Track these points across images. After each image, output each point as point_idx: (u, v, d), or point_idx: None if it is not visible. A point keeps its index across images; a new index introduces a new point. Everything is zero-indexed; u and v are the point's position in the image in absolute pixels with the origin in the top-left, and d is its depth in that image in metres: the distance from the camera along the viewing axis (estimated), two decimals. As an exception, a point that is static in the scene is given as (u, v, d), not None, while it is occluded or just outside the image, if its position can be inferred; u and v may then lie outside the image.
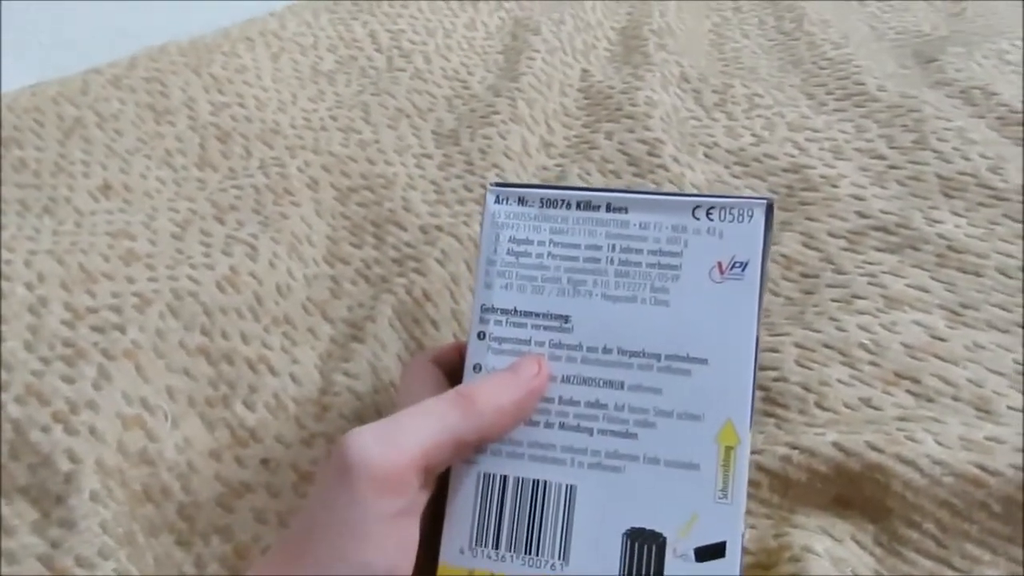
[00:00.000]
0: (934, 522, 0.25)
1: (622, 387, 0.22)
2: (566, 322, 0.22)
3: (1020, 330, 0.32)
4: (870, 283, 0.35)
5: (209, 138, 0.47)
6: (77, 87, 0.50)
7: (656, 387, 0.21)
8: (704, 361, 0.21)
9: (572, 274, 0.22)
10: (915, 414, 0.28)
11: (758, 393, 0.31)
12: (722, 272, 0.21)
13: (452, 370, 0.24)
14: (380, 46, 0.55)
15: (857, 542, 0.26)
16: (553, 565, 0.21)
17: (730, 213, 0.22)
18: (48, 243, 0.39)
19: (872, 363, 0.31)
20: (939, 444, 0.26)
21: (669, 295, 0.21)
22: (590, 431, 0.22)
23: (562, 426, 0.22)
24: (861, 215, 0.38)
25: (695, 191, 0.41)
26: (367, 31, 0.57)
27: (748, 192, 0.41)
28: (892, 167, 0.41)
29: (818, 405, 0.30)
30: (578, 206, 0.22)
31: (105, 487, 0.27)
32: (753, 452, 0.28)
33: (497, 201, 0.23)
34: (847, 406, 0.29)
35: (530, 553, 0.21)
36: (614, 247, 0.22)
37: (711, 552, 0.20)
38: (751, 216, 0.21)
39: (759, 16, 0.61)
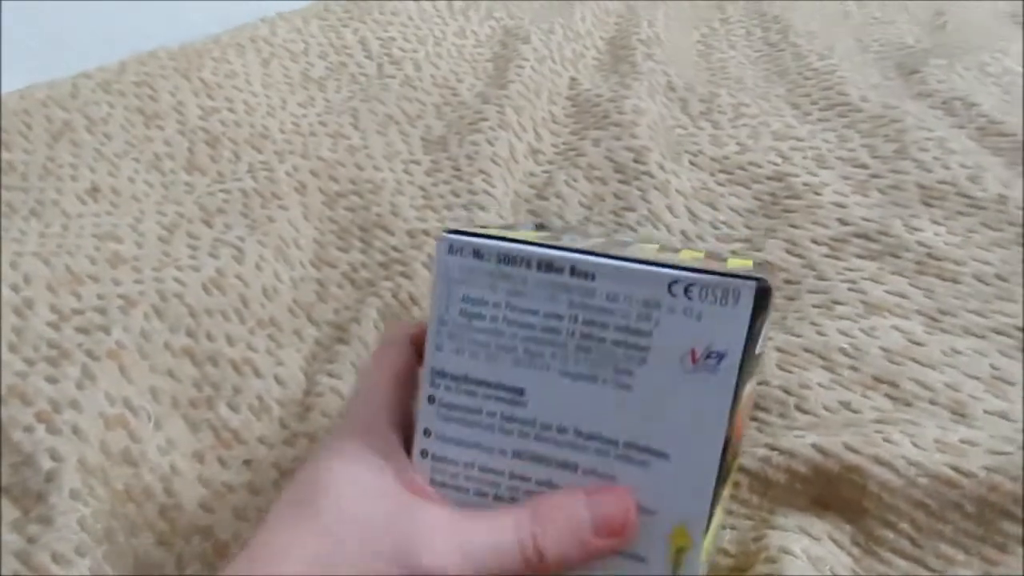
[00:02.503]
0: (909, 522, 0.26)
1: (576, 470, 0.20)
2: (520, 395, 0.20)
3: (996, 336, 0.32)
4: (851, 289, 0.35)
5: (198, 142, 0.47)
6: (67, 91, 0.50)
7: (611, 474, 0.19)
8: (664, 455, 0.19)
9: (529, 344, 0.19)
10: (892, 417, 0.29)
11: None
12: (695, 361, 0.19)
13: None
14: (370, 53, 0.56)
15: (835, 541, 0.26)
16: None
17: (712, 293, 0.18)
18: (34, 245, 0.39)
19: (852, 367, 0.31)
20: (915, 446, 0.27)
21: (633, 379, 0.19)
22: None
23: (512, 502, 0.20)
24: (843, 222, 0.39)
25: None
26: (358, 38, 0.57)
27: (733, 202, 0.42)
28: (874, 176, 0.42)
29: (798, 408, 0.30)
30: (539, 267, 0.19)
31: (87, 486, 0.27)
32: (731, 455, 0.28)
33: (451, 252, 0.20)
34: (827, 409, 0.30)
35: None
36: (576, 318, 0.19)
37: None
38: (736, 300, 0.18)
39: (746, 27, 0.61)
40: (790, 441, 0.27)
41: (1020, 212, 0.37)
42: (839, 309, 0.34)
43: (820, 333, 0.33)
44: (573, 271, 0.19)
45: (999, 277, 0.35)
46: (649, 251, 0.21)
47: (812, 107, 0.49)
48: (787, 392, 0.30)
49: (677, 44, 0.59)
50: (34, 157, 0.46)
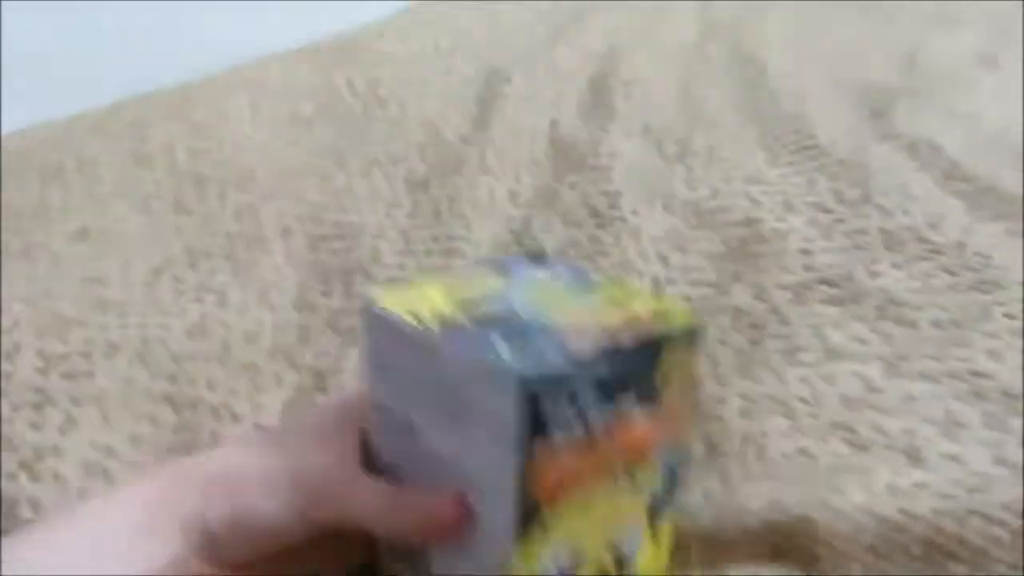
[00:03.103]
0: (860, 566, 0.27)
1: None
2: (416, 430, 0.24)
3: (950, 380, 0.33)
4: (813, 335, 0.36)
5: (186, 183, 0.48)
6: (58, 133, 0.51)
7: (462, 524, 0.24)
8: (485, 499, 0.23)
9: (417, 391, 0.24)
10: (847, 463, 0.30)
11: (702, 443, 0.32)
12: (496, 430, 0.22)
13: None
14: (357, 93, 0.58)
15: (789, 587, 0.27)
16: None
17: (498, 381, 0.22)
18: (23, 289, 0.40)
19: (810, 415, 0.32)
20: (865, 493, 0.28)
21: (469, 431, 0.23)
22: None
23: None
24: (808, 268, 0.40)
25: (650, 241, 0.42)
26: (345, 79, 0.59)
27: (703, 247, 0.43)
28: (838, 220, 0.43)
29: (757, 457, 0.31)
30: (410, 337, 0.24)
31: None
32: (686, 513, 0.29)
33: (363, 315, 0.25)
34: (784, 456, 0.31)
35: None
36: (438, 379, 0.23)
37: None
38: (508, 393, 0.22)
39: (725, 67, 0.63)
40: (742, 498, 0.28)
41: (977, 257, 0.39)
42: (801, 355, 0.35)
43: (781, 381, 0.34)
44: (425, 345, 0.24)
45: (955, 323, 0.36)
46: (577, 307, 0.25)
47: (782, 149, 0.50)
48: (747, 440, 0.31)
49: (656, 84, 0.60)
50: (26, 199, 0.47)
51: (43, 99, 0.55)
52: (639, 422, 0.24)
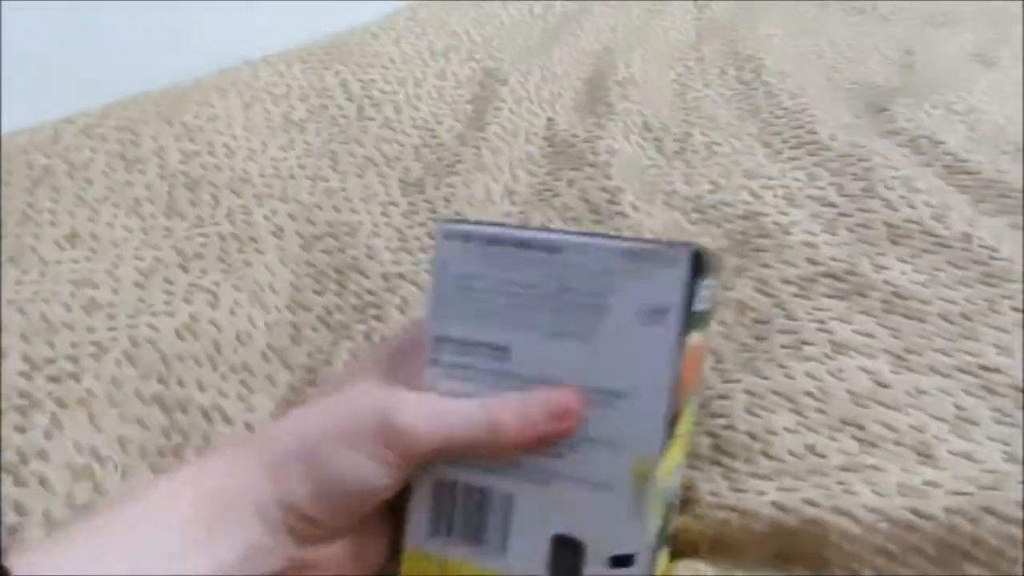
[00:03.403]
0: (871, 569, 0.26)
1: None
2: (506, 352, 0.24)
3: (961, 374, 0.32)
4: (819, 329, 0.35)
5: (178, 186, 0.48)
6: (48, 136, 0.50)
7: (581, 415, 0.23)
8: (624, 395, 0.23)
9: (513, 309, 0.24)
10: (856, 462, 0.29)
11: (707, 440, 0.31)
12: (645, 314, 0.23)
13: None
14: (351, 95, 0.57)
15: (800, 591, 0.26)
16: (493, 558, 0.24)
17: (655, 259, 0.23)
18: (11, 293, 0.39)
19: (818, 410, 0.32)
20: (876, 493, 0.27)
21: (597, 333, 0.23)
22: (526, 450, 0.24)
23: None
24: (812, 262, 0.39)
25: (651, 235, 0.42)
26: (339, 80, 0.58)
27: (707, 239, 0.42)
28: (842, 214, 0.42)
29: (763, 454, 0.30)
30: (518, 245, 0.24)
31: (50, 540, 0.27)
32: (692, 515, 0.29)
33: (446, 237, 0.24)
34: (792, 454, 0.30)
35: (475, 545, 0.24)
36: (550, 285, 0.23)
37: (622, 561, 0.23)
38: (674, 263, 0.23)
39: (720, 67, 0.63)
40: (749, 500, 0.27)
41: (984, 250, 0.38)
42: (807, 350, 0.34)
43: (788, 376, 0.33)
44: (545, 248, 0.23)
45: (964, 316, 0.35)
46: None
47: (783, 145, 0.50)
48: (753, 437, 0.31)
49: (653, 84, 0.60)
50: (13, 203, 0.46)
51: (31, 102, 0.54)
52: (698, 346, 0.25)
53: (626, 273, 0.23)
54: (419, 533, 0.25)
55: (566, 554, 0.23)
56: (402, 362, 0.26)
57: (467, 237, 0.24)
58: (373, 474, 0.23)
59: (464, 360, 0.24)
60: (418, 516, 0.25)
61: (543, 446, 0.24)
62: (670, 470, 0.25)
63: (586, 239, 0.23)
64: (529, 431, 0.23)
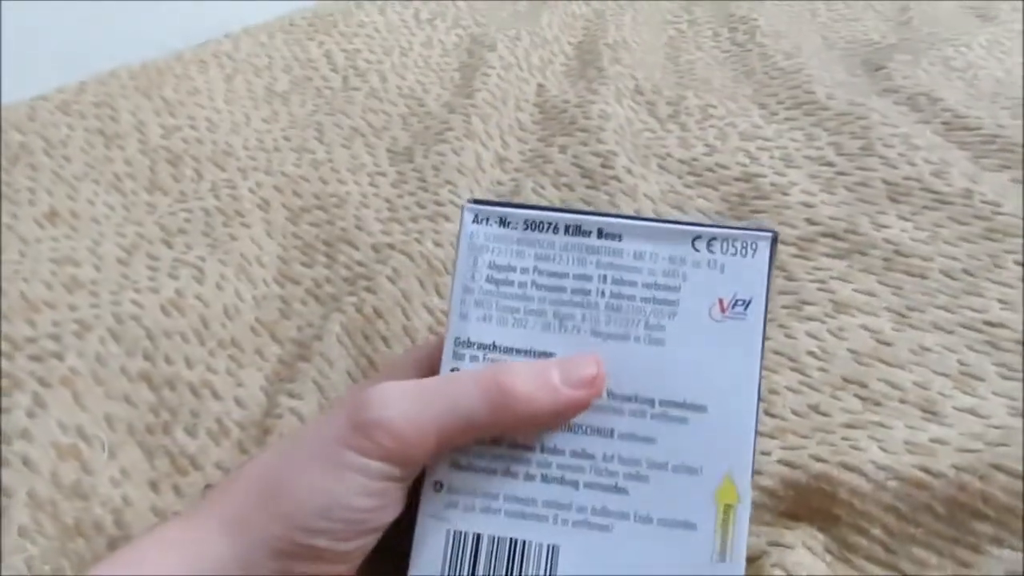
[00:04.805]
0: (881, 527, 0.25)
1: (612, 435, 0.19)
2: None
3: (964, 330, 0.32)
4: (819, 289, 0.35)
5: (159, 161, 0.46)
6: (24, 113, 0.49)
7: (650, 436, 0.19)
8: (703, 408, 0.19)
9: (558, 307, 0.20)
10: (861, 419, 0.28)
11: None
12: (723, 310, 0.19)
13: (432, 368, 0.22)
14: (336, 66, 0.55)
15: (809, 549, 0.26)
16: None
17: (732, 245, 0.19)
18: (-11, 272, 0.38)
19: (821, 369, 0.31)
20: (883, 450, 0.26)
21: (665, 333, 0.19)
22: (575, 484, 0.19)
23: (544, 478, 0.20)
24: (811, 222, 0.38)
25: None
26: (323, 51, 0.57)
27: (702, 204, 0.41)
28: (840, 173, 0.41)
29: (768, 413, 0.29)
30: (567, 231, 0.20)
31: (35, 522, 0.26)
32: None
33: (476, 221, 0.20)
34: (795, 413, 0.29)
35: None
36: (605, 278, 0.20)
37: None
38: (755, 250, 0.19)
39: (713, 28, 0.61)
40: (756, 458, 0.27)
41: (986, 206, 0.37)
42: (808, 309, 0.34)
43: (789, 336, 0.32)
44: (601, 233, 0.20)
45: (966, 272, 0.34)
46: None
47: (779, 106, 0.49)
48: (755, 396, 0.30)
49: (645, 47, 0.59)
50: (-9, 182, 0.45)
51: (6, 79, 0.52)
52: None
53: (699, 262, 0.19)
54: None
55: None
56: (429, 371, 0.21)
57: (503, 220, 0.20)
58: (350, 490, 0.18)
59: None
60: None
61: (563, 422, 0.19)
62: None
63: (649, 223, 0.20)
64: (546, 397, 0.19)
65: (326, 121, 0.50)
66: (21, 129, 0.48)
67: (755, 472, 0.20)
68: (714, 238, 0.20)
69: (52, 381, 0.31)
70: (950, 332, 0.32)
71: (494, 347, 0.20)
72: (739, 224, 0.20)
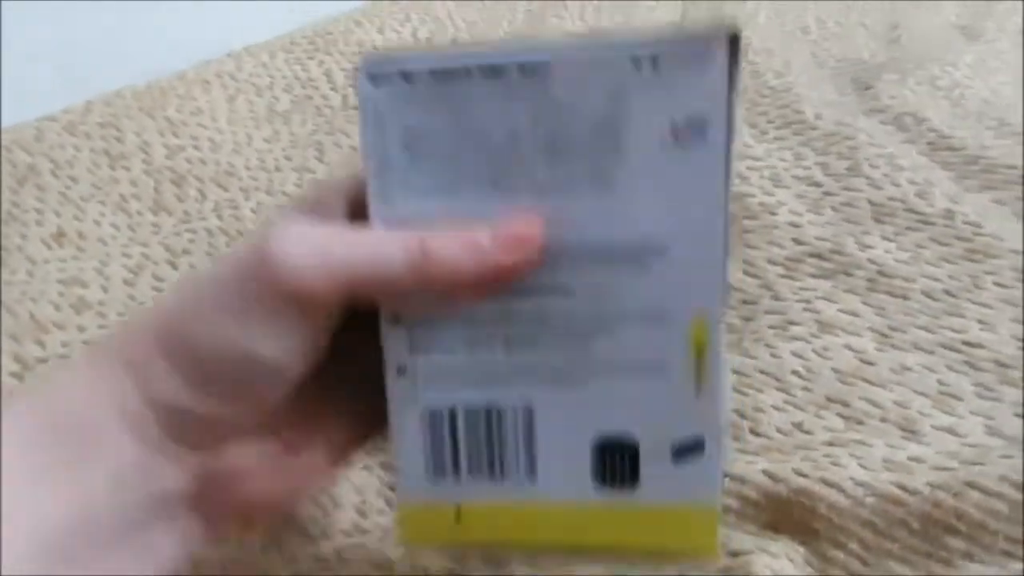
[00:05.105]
0: (858, 542, 0.26)
1: (571, 291, 0.18)
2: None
3: (944, 350, 0.33)
4: (805, 309, 0.36)
5: (164, 182, 0.47)
6: (31, 134, 0.50)
7: (610, 287, 0.18)
8: (664, 249, 0.17)
9: (488, 165, 0.17)
10: (843, 438, 0.30)
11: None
12: (677, 137, 0.17)
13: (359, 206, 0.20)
14: (335, 84, 0.57)
15: (791, 560, 0.27)
16: (522, 486, 0.19)
17: (681, 59, 0.16)
18: (-1, 293, 0.39)
19: (804, 388, 0.32)
20: (862, 467, 0.27)
21: (613, 175, 0.17)
22: (541, 345, 0.18)
23: (507, 342, 0.18)
24: (797, 242, 0.40)
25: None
26: (323, 70, 0.58)
27: None
28: (827, 194, 0.42)
29: (752, 431, 0.31)
30: (482, 74, 0.17)
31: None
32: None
33: (375, 82, 0.17)
34: (779, 431, 0.30)
35: (494, 477, 0.19)
36: (536, 122, 0.17)
37: (689, 450, 0.19)
38: (709, 60, 0.16)
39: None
40: (741, 467, 0.28)
41: (967, 227, 0.38)
42: (793, 329, 0.35)
43: (774, 355, 0.33)
44: (523, 70, 0.17)
45: (947, 292, 0.35)
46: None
47: (768, 125, 0.50)
48: (741, 415, 0.31)
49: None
50: (-1, 202, 0.46)
51: (10, 99, 0.53)
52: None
53: (644, 86, 0.16)
54: (415, 482, 0.20)
55: (615, 458, 0.19)
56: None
57: (406, 75, 0.17)
58: (253, 337, 0.17)
59: None
60: (409, 462, 0.19)
61: (497, 288, 0.18)
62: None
63: (578, 51, 0.17)
64: (470, 258, 0.17)
65: (326, 141, 0.51)
66: (28, 150, 0.49)
67: (727, 303, 0.19)
68: (657, 56, 0.16)
69: (62, 402, 0.32)
70: (930, 352, 0.33)
71: (424, 221, 0.18)
72: (689, 30, 0.16)
